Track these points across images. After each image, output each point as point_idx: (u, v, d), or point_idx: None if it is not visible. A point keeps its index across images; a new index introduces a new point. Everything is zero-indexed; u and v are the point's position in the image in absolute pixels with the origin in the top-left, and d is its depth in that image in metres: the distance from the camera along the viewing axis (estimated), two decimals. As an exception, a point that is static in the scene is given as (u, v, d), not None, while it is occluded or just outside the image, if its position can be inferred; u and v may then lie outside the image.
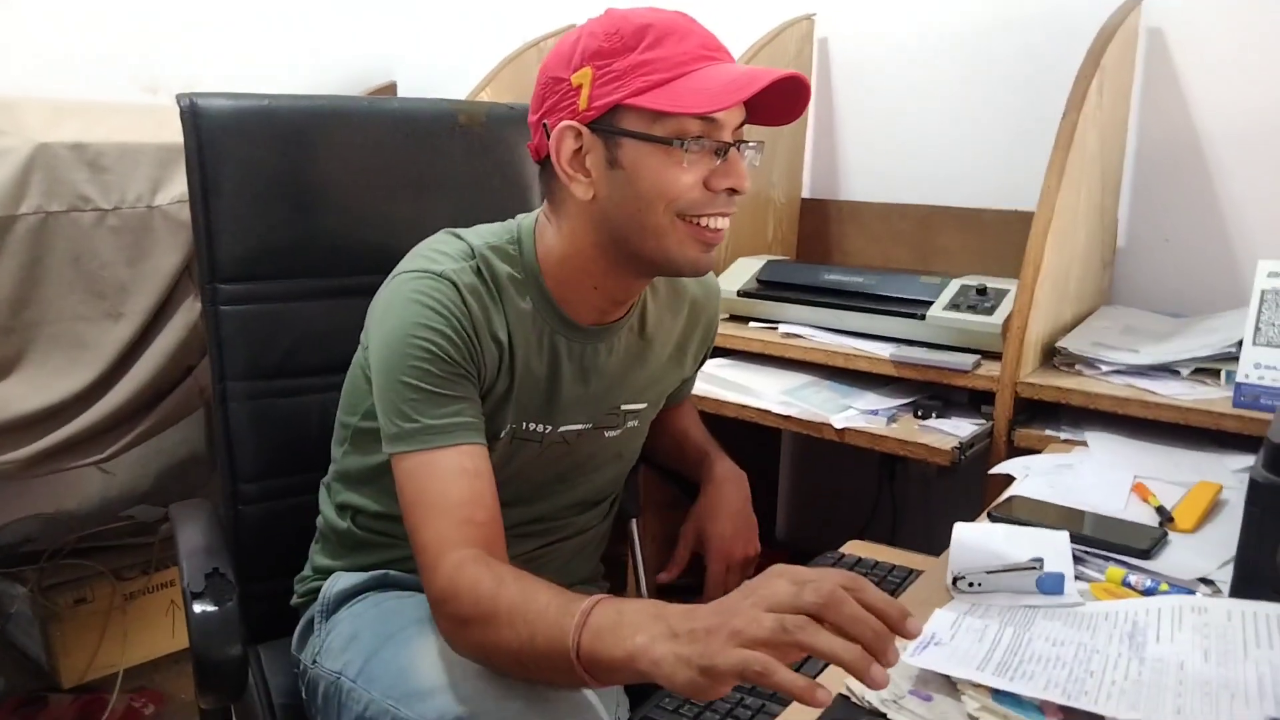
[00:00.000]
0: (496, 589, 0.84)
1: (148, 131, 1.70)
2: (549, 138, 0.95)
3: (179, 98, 1.20)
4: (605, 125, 0.93)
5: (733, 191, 0.95)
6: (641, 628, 0.74)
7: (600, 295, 1.03)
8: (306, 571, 1.19)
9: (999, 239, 1.85)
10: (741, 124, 0.96)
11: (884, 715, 0.71)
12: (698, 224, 0.95)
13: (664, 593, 1.29)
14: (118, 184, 1.66)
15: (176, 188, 1.69)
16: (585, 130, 0.94)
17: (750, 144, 0.97)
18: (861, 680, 0.65)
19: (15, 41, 2.05)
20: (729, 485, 1.22)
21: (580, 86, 0.93)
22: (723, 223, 0.96)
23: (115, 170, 1.65)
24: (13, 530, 2.09)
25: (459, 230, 1.05)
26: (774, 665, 0.66)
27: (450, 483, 0.92)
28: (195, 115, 1.20)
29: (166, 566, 2.07)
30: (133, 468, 2.24)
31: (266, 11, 2.47)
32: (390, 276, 1.01)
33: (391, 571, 1.10)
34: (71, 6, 2.13)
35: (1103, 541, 0.99)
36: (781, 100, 0.95)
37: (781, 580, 0.70)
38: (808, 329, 1.68)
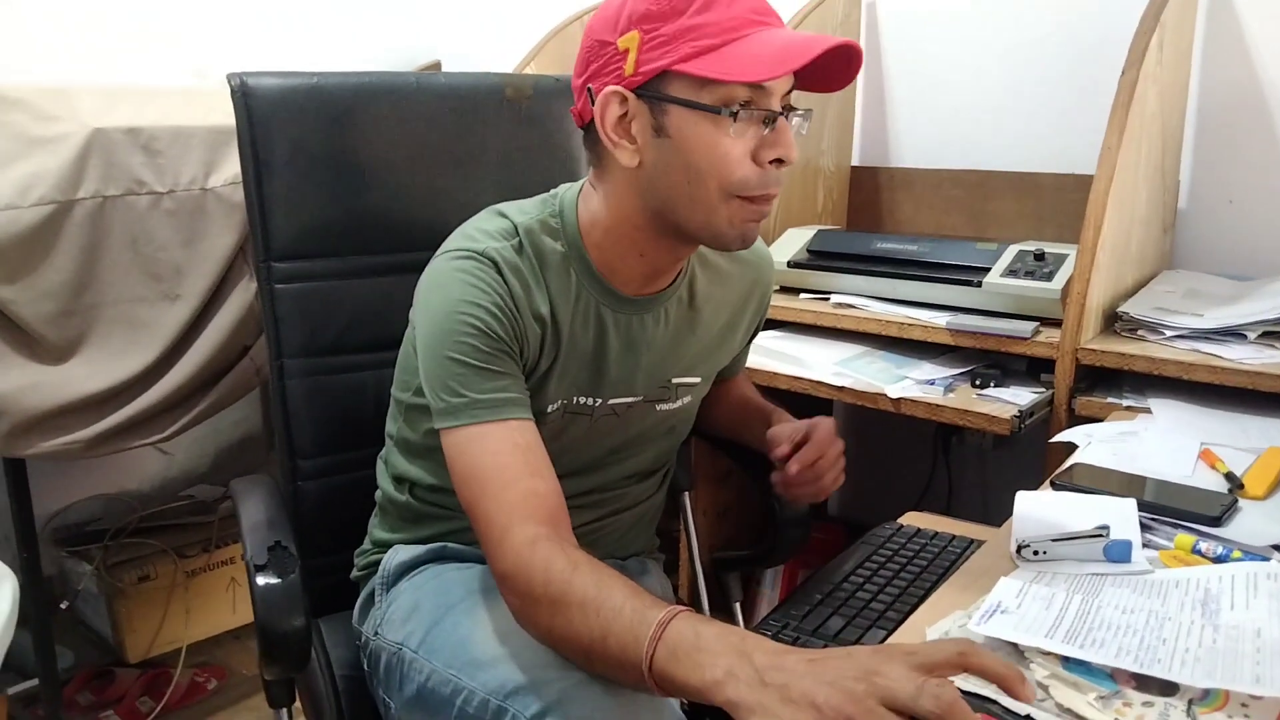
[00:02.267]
0: (570, 573, 0.81)
1: (198, 114, 1.71)
2: (593, 102, 0.93)
3: (229, 77, 1.21)
4: (652, 91, 0.90)
5: (779, 162, 0.92)
6: (722, 659, 0.70)
7: (645, 263, 1.01)
8: (366, 545, 1.21)
9: (1055, 204, 1.82)
10: (790, 91, 0.93)
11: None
12: (748, 201, 0.92)
13: (721, 565, 1.29)
14: (171, 167, 1.68)
15: (228, 170, 1.71)
16: (631, 96, 0.91)
17: (799, 111, 0.94)
18: None
19: (64, 27, 2.08)
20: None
21: (627, 51, 0.90)
22: (774, 198, 0.94)
23: (169, 153, 1.67)
24: (78, 510, 2.14)
25: (502, 207, 1.04)
26: None
27: (505, 456, 0.91)
28: (246, 94, 1.20)
29: (226, 544, 2.11)
30: (191, 448, 2.28)
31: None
32: (434, 256, 1.01)
33: (450, 544, 1.11)
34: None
35: (1170, 509, 0.97)
36: (832, 67, 0.92)
37: (900, 669, 0.63)
38: (860, 299, 1.66)
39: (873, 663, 0.64)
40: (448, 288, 0.96)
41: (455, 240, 1.00)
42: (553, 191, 1.05)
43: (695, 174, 0.91)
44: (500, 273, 0.96)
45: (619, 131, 0.93)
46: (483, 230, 1.00)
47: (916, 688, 0.61)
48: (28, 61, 2.03)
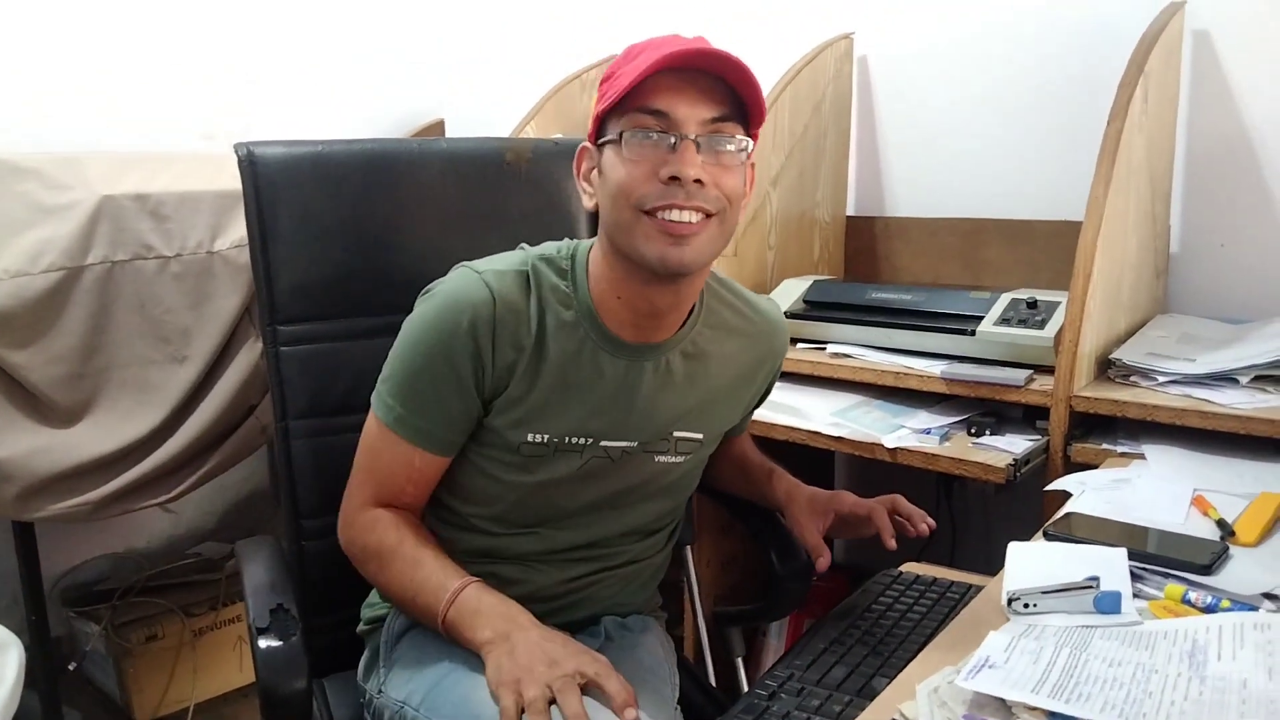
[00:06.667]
0: (397, 544, 1.06)
1: (205, 179, 1.75)
2: None
3: (236, 147, 1.24)
4: (598, 139, 1.02)
5: (674, 180, 0.96)
6: (491, 625, 0.97)
7: (625, 306, 1.06)
8: (372, 598, 1.22)
9: (1048, 250, 1.84)
10: (716, 119, 0.98)
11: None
12: (657, 216, 0.97)
13: (723, 619, 1.29)
14: (179, 231, 1.71)
15: (235, 232, 1.74)
16: (593, 148, 1.04)
17: (729, 139, 0.98)
18: None
19: (74, 95, 2.13)
20: (804, 487, 1.27)
21: (591, 115, 1.03)
22: (683, 215, 0.97)
23: (176, 218, 1.70)
24: (86, 570, 2.15)
25: (526, 246, 1.12)
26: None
27: (400, 466, 1.08)
28: (252, 163, 1.24)
29: (233, 602, 2.12)
30: (198, 506, 2.30)
31: (317, 57, 2.54)
32: (457, 264, 1.09)
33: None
34: (127, 60, 2.21)
35: (1162, 558, 0.97)
36: (744, 92, 0.99)
37: (560, 672, 0.91)
38: (856, 348, 1.68)
39: (557, 656, 0.93)
40: (439, 306, 1.04)
41: (478, 260, 1.08)
42: (573, 239, 1.12)
43: (613, 198, 1.00)
44: (491, 296, 1.02)
45: (585, 179, 1.07)
46: (500, 257, 1.08)
47: (562, 684, 0.89)
48: (40, 127, 2.08)
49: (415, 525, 1.10)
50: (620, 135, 0.98)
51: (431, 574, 1.03)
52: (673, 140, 0.97)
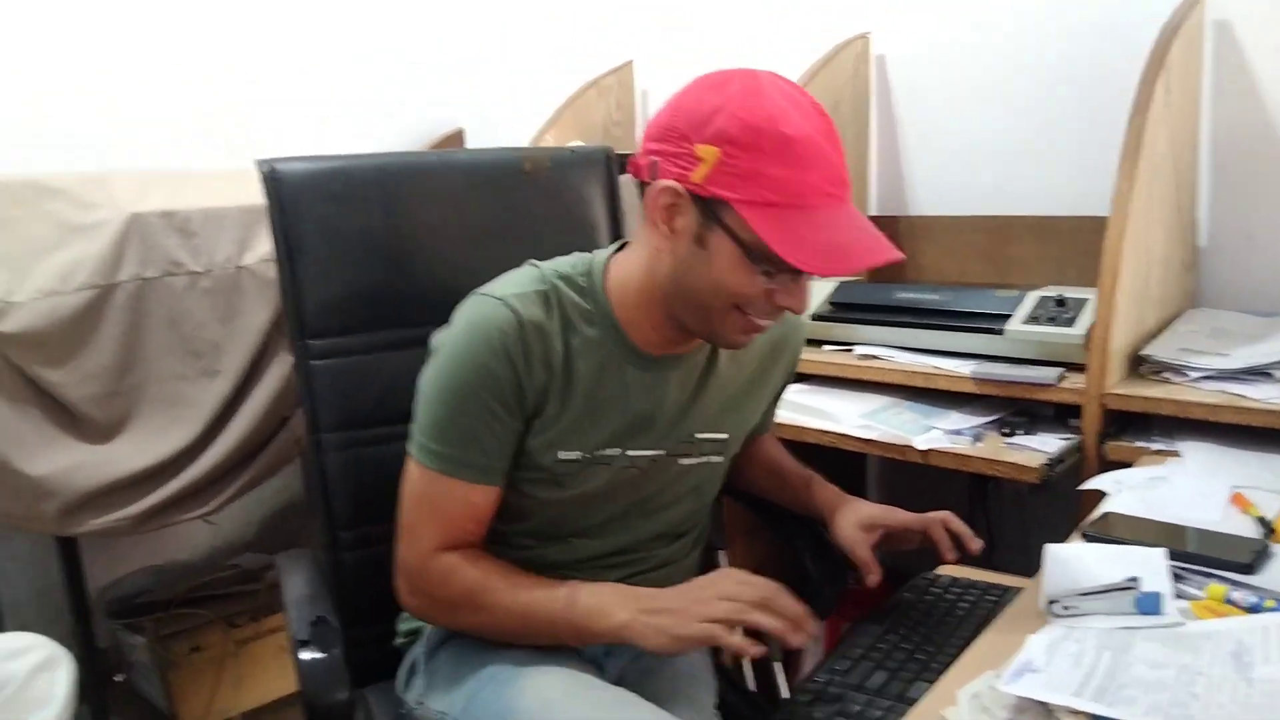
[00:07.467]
0: (484, 580, 1.04)
1: (231, 195, 1.76)
2: (654, 175, 0.97)
3: (259, 164, 1.26)
4: (708, 206, 0.94)
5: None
6: (621, 606, 0.98)
7: (655, 331, 1.06)
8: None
9: (1075, 246, 1.83)
10: None
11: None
12: (749, 318, 0.99)
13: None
14: (207, 247, 1.72)
15: (261, 247, 1.76)
16: (687, 196, 0.95)
17: None
18: (787, 642, 0.93)
19: (74, 95, 2.13)
20: (849, 498, 1.26)
21: (701, 160, 0.93)
22: (772, 322, 1.02)
23: (203, 234, 1.71)
24: (129, 583, 2.17)
25: (539, 261, 1.10)
26: (724, 635, 0.93)
27: (459, 506, 1.05)
28: (275, 179, 1.25)
29: (274, 612, 2.13)
30: (236, 517, 2.31)
31: (337, 70, 2.56)
32: (471, 293, 1.07)
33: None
34: (149, 82, 2.23)
35: (1202, 557, 0.97)
36: None
37: (729, 580, 0.98)
38: (884, 349, 1.67)
39: (711, 580, 0.99)
40: (463, 335, 1.03)
41: (491, 284, 1.06)
42: (586, 254, 1.11)
43: (716, 292, 0.97)
44: (518, 320, 1.01)
45: (664, 217, 0.98)
46: (514, 279, 1.06)
47: (742, 585, 0.97)
48: (40, 127, 2.08)
49: (487, 555, 1.08)
50: (748, 248, 0.93)
51: (534, 590, 1.03)
52: (793, 273, 0.96)
